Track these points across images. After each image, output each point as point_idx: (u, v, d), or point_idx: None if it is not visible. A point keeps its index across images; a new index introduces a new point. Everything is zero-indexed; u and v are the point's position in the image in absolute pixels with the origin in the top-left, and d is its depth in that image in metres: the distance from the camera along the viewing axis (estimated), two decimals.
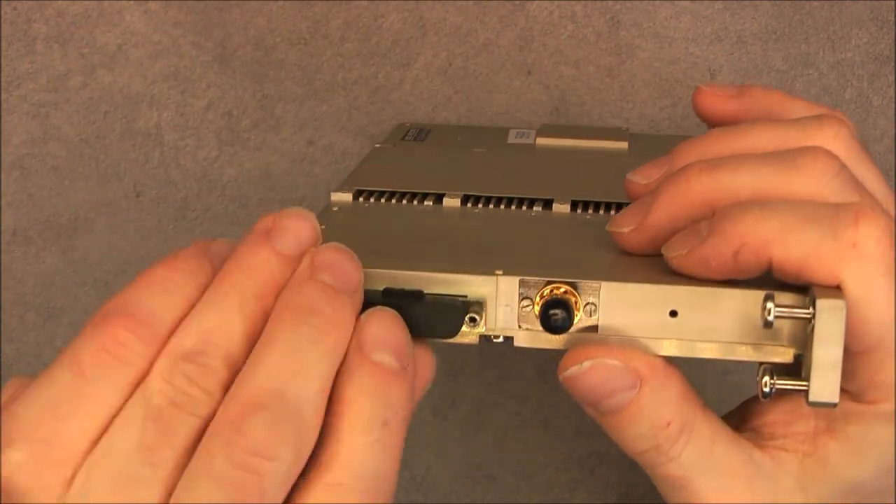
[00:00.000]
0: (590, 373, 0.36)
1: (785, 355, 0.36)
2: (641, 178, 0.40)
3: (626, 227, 0.38)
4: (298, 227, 0.34)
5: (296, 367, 0.32)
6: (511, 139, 0.54)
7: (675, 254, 0.37)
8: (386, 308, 0.34)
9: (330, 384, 0.32)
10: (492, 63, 0.58)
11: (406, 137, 0.54)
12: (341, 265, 0.34)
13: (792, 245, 0.35)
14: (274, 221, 0.34)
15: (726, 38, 0.57)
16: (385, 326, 0.33)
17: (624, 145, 0.52)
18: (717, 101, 0.43)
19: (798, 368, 0.35)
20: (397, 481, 0.33)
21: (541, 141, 0.53)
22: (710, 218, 0.36)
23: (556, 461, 0.62)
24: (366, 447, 0.32)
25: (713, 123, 0.43)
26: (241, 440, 0.30)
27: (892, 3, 0.56)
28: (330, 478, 0.32)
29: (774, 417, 0.39)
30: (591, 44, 0.58)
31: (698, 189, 0.37)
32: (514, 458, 0.62)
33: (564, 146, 0.52)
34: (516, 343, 0.37)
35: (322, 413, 0.32)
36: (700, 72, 0.58)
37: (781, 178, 0.36)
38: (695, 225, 0.37)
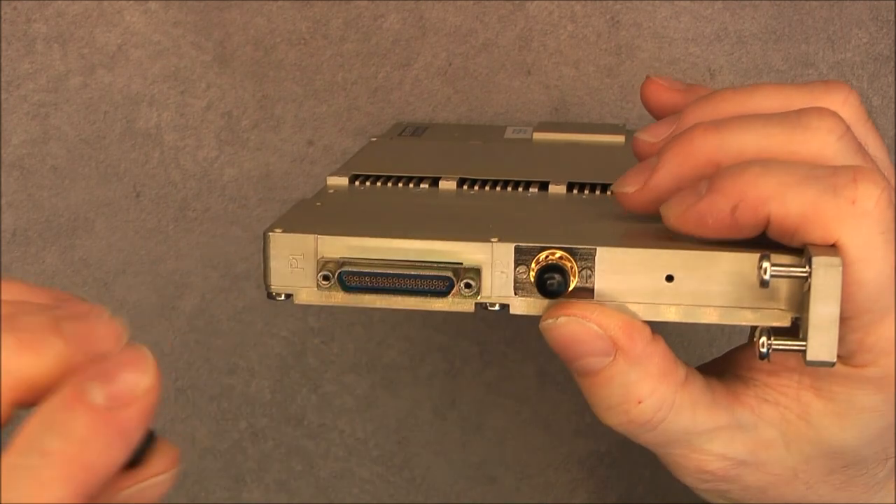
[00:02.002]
0: (562, 328, 0.36)
1: (783, 319, 0.36)
2: (650, 136, 0.40)
3: (630, 187, 0.38)
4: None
5: None
6: (508, 135, 0.54)
7: (673, 212, 0.36)
8: (137, 346, 0.30)
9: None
10: (492, 63, 0.58)
11: (403, 134, 0.54)
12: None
13: (790, 201, 0.35)
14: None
15: (726, 38, 0.57)
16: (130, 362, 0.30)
17: (621, 139, 0.51)
18: (661, 91, 0.43)
19: (795, 330, 0.35)
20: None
21: (538, 136, 0.52)
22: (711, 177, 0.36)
23: (556, 461, 0.62)
24: (7, 468, 0.28)
25: (655, 113, 0.43)
26: None
27: (892, 3, 0.56)
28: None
29: (760, 366, 0.38)
30: (591, 44, 0.58)
31: (703, 149, 0.37)
32: (514, 458, 0.62)
33: (561, 140, 0.52)
34: (512, 310, 0.37)
35: None
36: (700, 72, 0.58)
37: (786, 137, 0.36)
38: (694, 184, 0.36)
